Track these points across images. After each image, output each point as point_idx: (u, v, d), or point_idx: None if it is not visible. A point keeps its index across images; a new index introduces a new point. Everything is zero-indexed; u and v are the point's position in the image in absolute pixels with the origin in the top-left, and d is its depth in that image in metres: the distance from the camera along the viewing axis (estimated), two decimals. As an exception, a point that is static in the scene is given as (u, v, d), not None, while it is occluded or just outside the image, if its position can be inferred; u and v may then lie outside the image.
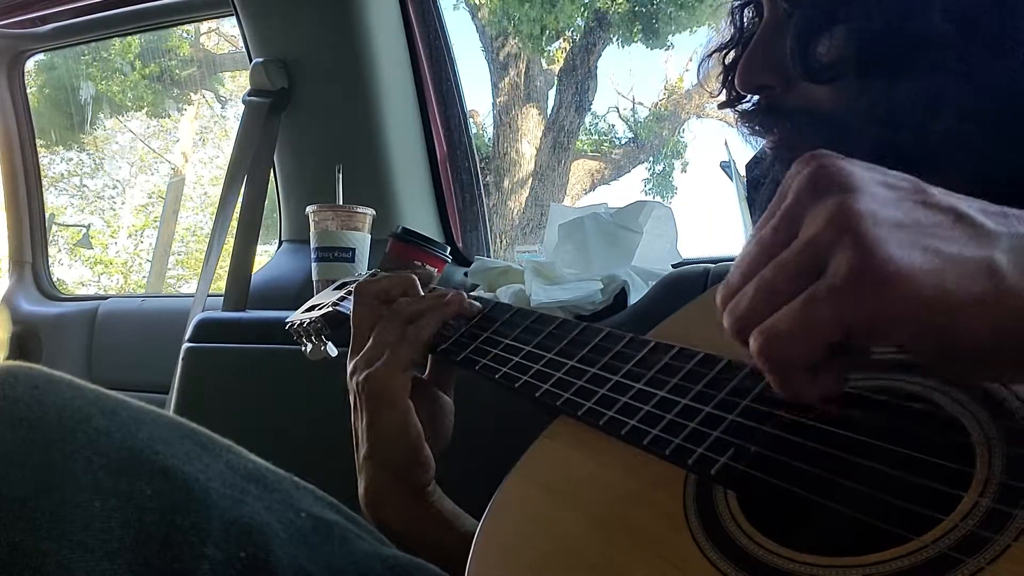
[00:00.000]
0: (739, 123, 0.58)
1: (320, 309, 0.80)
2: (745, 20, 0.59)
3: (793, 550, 0.33)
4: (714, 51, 0.61)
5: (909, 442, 0.35)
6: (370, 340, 0.61)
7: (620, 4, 4.29)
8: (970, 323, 0.28)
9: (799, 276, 0.30)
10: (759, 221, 0.33)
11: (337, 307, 0.77)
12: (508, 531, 0.42)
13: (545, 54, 4.67)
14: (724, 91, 0.60)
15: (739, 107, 0.58)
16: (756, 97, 0.56)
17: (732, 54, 0.60)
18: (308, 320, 0.79)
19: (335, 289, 0.86)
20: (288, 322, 0.83)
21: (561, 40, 4.66)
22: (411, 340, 0.60)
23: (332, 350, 0.82)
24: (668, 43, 4.39)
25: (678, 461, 0.40)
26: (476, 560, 0.41)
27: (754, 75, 0.53)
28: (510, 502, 0.44)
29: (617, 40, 4.50)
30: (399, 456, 0.58)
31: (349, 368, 0.62)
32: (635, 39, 4.39)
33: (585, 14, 4.37)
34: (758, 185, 0.57)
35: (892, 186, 0.31)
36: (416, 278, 0.65)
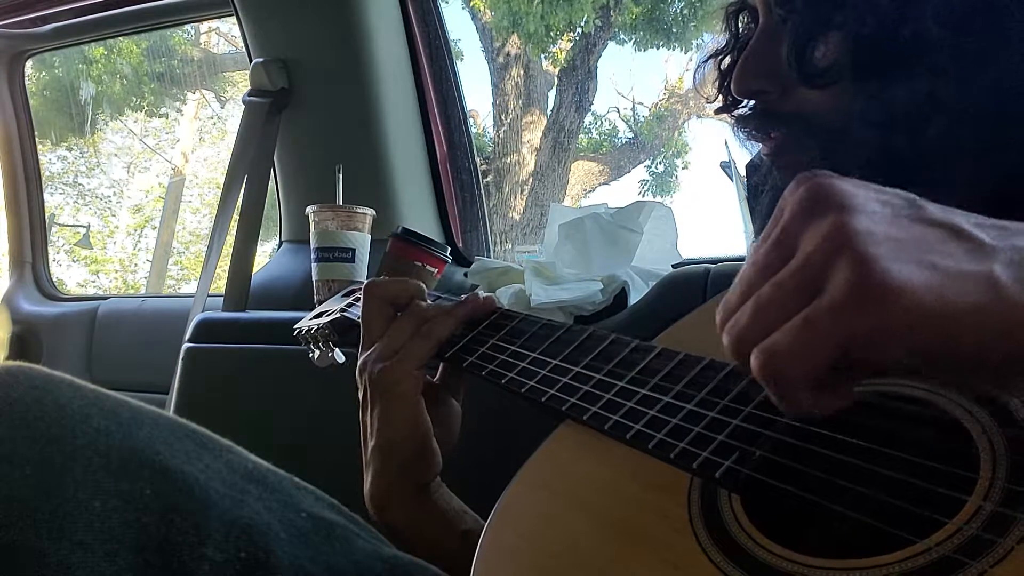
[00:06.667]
0: (736, 128, 0.58)
1: (328, 316, 0.80)
2: (740, 25, 0.59)
3: (797, 553, 0.33)
4: (710, 56, 0.62)
5: (913, 446, 0.35)
6: (384, 337, 0.61)
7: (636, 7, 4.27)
8: (971, 334, 0.28)
9: (797, 294, 0.30)
10: (757, 242, 0.33)
11: (345, 313, 0.78)
12: (514, 534, 0.42)
13: (548, 54, 4.67)
14: (720, 96, 0.60)
15: (735, 112, 0.58)
16: (752, 102, 0.56)
17: (727, 59, 0.60)
18: (316, 327, 0.80)
19: (343, 296, 0.87)
20: (296, 328, 0.83)
21: (562, 40, 4.67)
22: (425, 335, 0.60)
23: (339, 356, 0.82)
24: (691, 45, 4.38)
25: (683, 465, 0.40)
26: (481, 562, 0.41)
27: (750, 80, 0.53)
28: (516, 505, 0.44)
29: (632, 43, 4.49)
30: (407, 449, 0.59)
31: (360, 364, 0.62)
32: (653, 44, 4.37)
33: (594, 13, 4.35)
34: (758, 192, 0.57)
35: (887, 203, 0.31)
36: (425, 287, 0.66)
